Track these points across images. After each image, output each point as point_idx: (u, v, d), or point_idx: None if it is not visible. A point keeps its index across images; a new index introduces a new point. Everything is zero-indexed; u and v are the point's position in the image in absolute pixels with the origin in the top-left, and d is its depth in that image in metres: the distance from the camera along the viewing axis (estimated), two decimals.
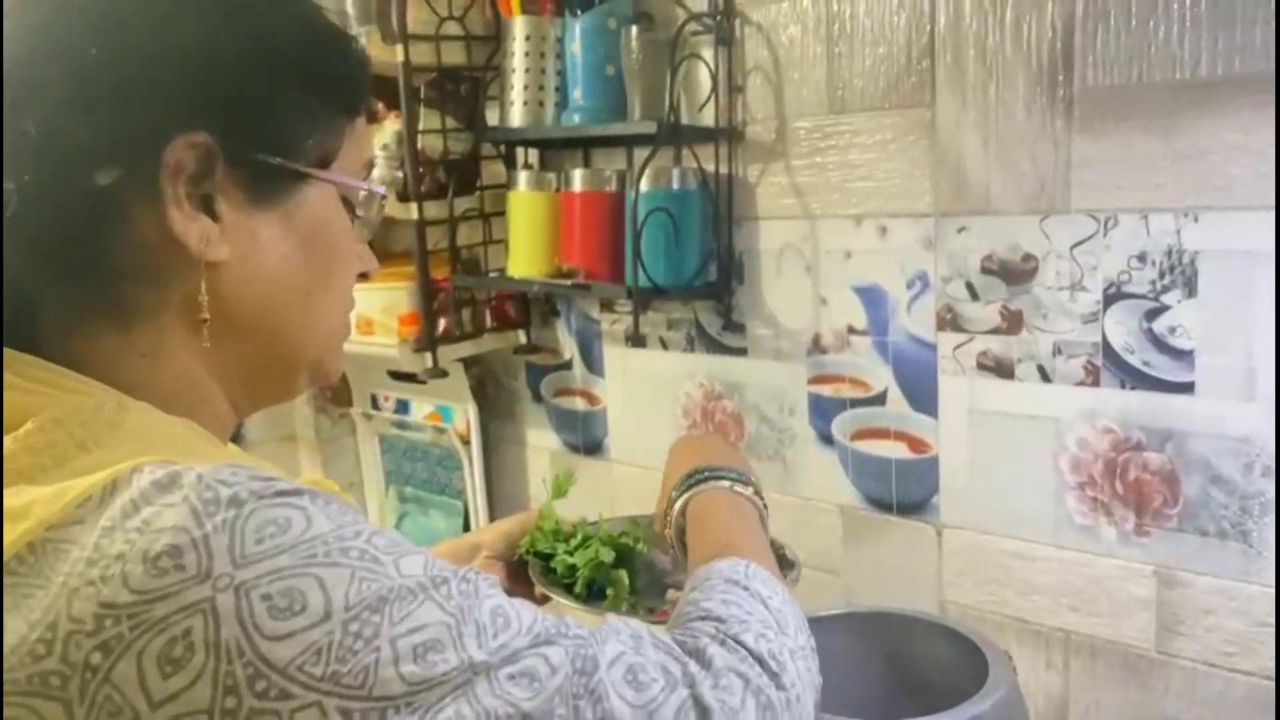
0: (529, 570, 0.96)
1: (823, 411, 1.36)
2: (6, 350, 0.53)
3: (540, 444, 1.73)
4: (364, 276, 0.67)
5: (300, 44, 0.59)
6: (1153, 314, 1.09)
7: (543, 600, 0.93)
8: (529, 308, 1.66)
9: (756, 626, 0.59)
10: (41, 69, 0.52)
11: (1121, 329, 1.11)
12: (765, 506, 0.81)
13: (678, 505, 0.81)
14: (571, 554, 0.96)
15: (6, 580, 0.45)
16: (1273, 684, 1.07)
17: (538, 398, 1.71)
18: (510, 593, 0.95)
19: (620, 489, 1.62)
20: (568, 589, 0.94)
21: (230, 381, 0.60)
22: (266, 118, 0.57)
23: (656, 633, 0.56)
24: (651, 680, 0.52)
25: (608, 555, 0.95)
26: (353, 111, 0.62)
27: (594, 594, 0.94)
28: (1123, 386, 1.12)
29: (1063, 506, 1.18)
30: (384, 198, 0.65)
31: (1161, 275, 1.08)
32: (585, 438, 1.66)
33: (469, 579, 0.52)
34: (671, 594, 0.95)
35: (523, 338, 1.66)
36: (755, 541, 0.74)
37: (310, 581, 0.47)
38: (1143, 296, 1.09)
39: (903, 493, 1.31)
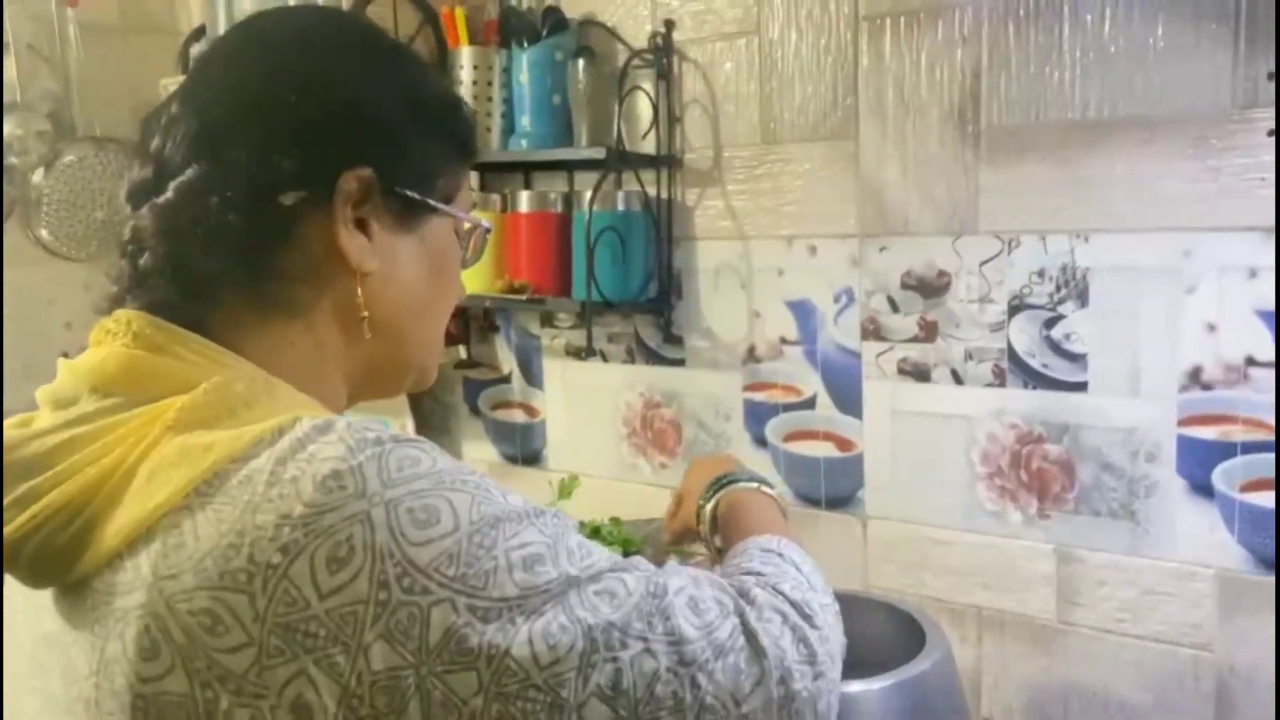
0: None
1: (757, 416, 1.48)
2: (179, 330, 0.62)
3: (477, 456, 1.79)
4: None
5: (436, 101, 0.71)
6: (1051, 322, 1.24)
7: None
8: (468, 324, 1.73)
9: (791, 581, 0.69)
10: (246, 112, 0.64)
11: (1024, 336, 1.26)
12: (780, 498, 0.94)
13: (709, 506, 0.93)
14: None
15: (198, 501, 0.55)
16: (1160, 646, 1.23)
17: (475, 412, 1.78)
18: None
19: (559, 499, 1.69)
20: None
21: (354, 375, 0.69)
22: (413, 159, 0.68)
23: (711, 574, 0.67)
24: (708, 609, 0.62)
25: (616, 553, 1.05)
26: (469, 158, 0.73)
27: None
28: (1026, 387, 1.27)
29: (974, 495, 1.32)
30: (488, 231, 0.76)
31: (1058, 289, 1.23)
32: (524, 449, 1.73)
33: (559, 516, 0.61)
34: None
35: (463, 353, 1.72)
36: (781, 526, 0.86)
37: (442, 501, 0.56)
38: (1042, 307, 1.25)
39: (831, 488, 1.43)
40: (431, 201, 0.69)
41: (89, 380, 0.60)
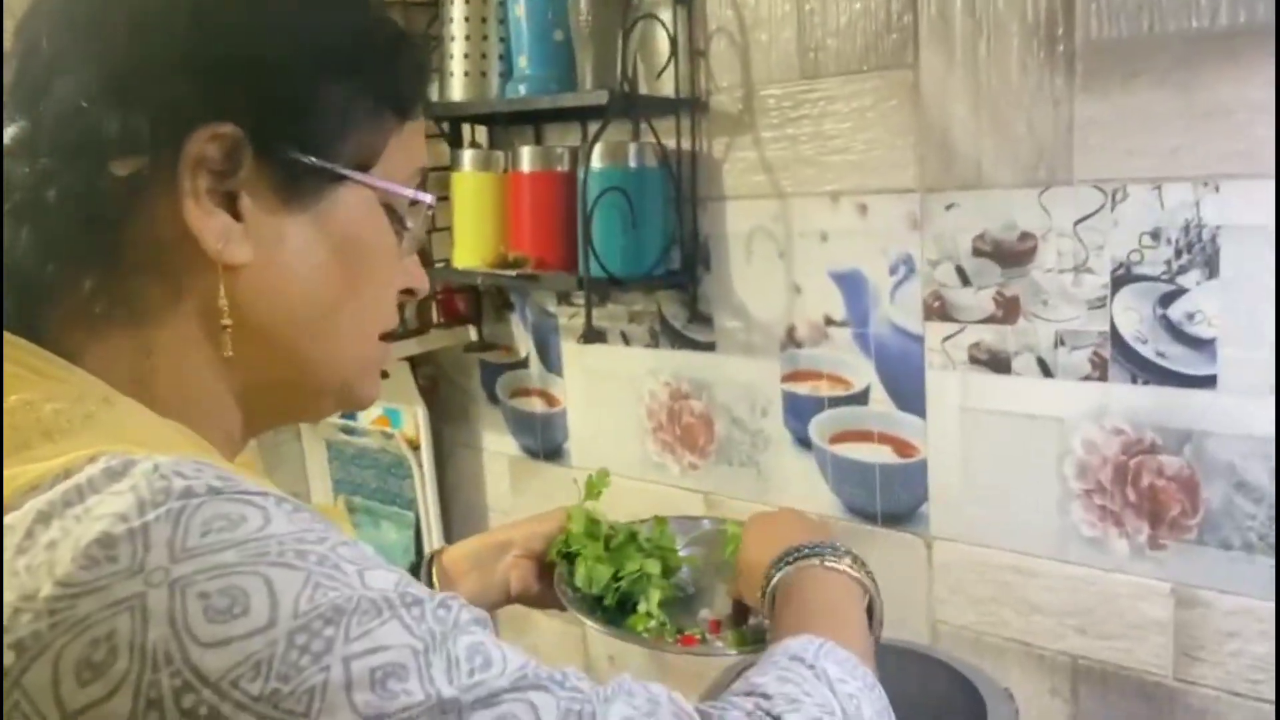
0: (554, 578, 0.89)
1: (798, 412, 1.23)
2: (6, 334, 0.50)
3: (498, 449, 1.59)
4: (409, 294, 0.62)
5: (345, 37, 0.55)
6: (1168, 298, 0.96)
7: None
8: (480, 302, 1.52)
9: (811, 710, 0.52)
10: (68, 51, 0.50)
11: (1132, 316, 0.98)
12: (869, 577, 0.72)
13: (769, 587, 0.74)
14: (607, 554, 0.89)
15: None
16: None
17: (493, 399, 1.58)
18: (544, 599, 0.85)
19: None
20: (596, 600, 0.87)
21: (247, 397, 0.55)
22: (303, 113, 0.53)
23: (679, 699, 0.50)
24: None
25: (654, 568, 0.88)
26: (402, 113, 0.56)
27: (622, 607, 0.87)
28: (1134, 381, 0.99)
29: (1068, 516, 1.05)
30: (431, 207, 0.60)
31: (1178, 254, 0.94)
32: (544, 442, 1.52)
33: (449, 605, 0.46)
34: (704, 614, 0.89)
35: (474, 334, 1.52)
36: (840, 619, 0.66)
37: (256, 581, 0.41)
38: (1156, 279, 0.96)
39: (888, 501, 1.17)
40: (335, 168, 0.53)
41: None
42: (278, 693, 0.39)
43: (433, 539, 1.59)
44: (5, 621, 0.40)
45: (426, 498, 1.58)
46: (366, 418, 1.64)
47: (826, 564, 0.72)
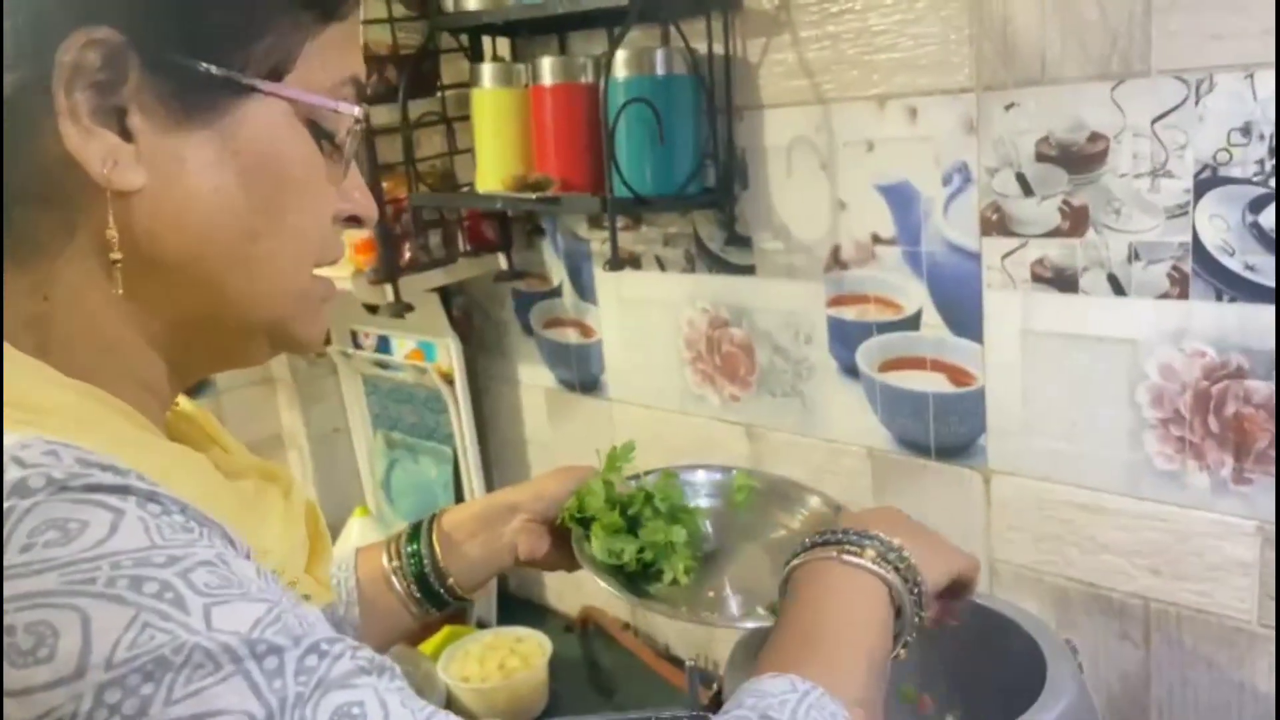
0: (573, 542, 0.85)
1: (845, 338, 1.14)
2: None
3: (534, 382, 1.53)
4: (355, 221, 0.56)
5: None
6: (1259, 203, 0.84)
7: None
8: (509, 228, 1.44)
9: None
10: None
11: (1218, 224, 0.86)
12: (902, 575, 0.64)
13: (784, 571, 0.68)
14: (626, 519, 0.84)
15: None
16: None
17: (528, 330, 1.51)
18: (553, 562, 0.81)
19: (621, 432, 1.42)
20: (618, 566, 0.83)
21: (162, 341, 0.50)
22: (198, 13, 0.46)
23: None
24: None
25: (679, 535, 0.84)
26: (323, 12, 0.50)
27: (644, 570, 0.84)
28: (1219, 298, 0.88)
29: (1141, 449, 0.95)
30: (358, 121, 0.53)
31: (1272, 153, 0.83)
32: (580, 374, 1.46)
33: (324, 651, 0.39)
34: (761, 611, 0.79)
35: (503, 262, 1.45)
36: (844, 642, 0.59)
37: (71, 617, 0.35)
38: (1247, 181, 0.84)
39: (942, 433, 1.09)
40: (240, 77, 0.47)
41: None
42: None
43: (471, 473, 1.55)
44: None
45: (464, 432, 1.53)
46: (401, 351, 1.59)
47: (845, 556, 0.64)
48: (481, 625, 1.55)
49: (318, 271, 0.55)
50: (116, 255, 0.46)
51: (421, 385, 1.61)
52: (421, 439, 1.65)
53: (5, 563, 0.36)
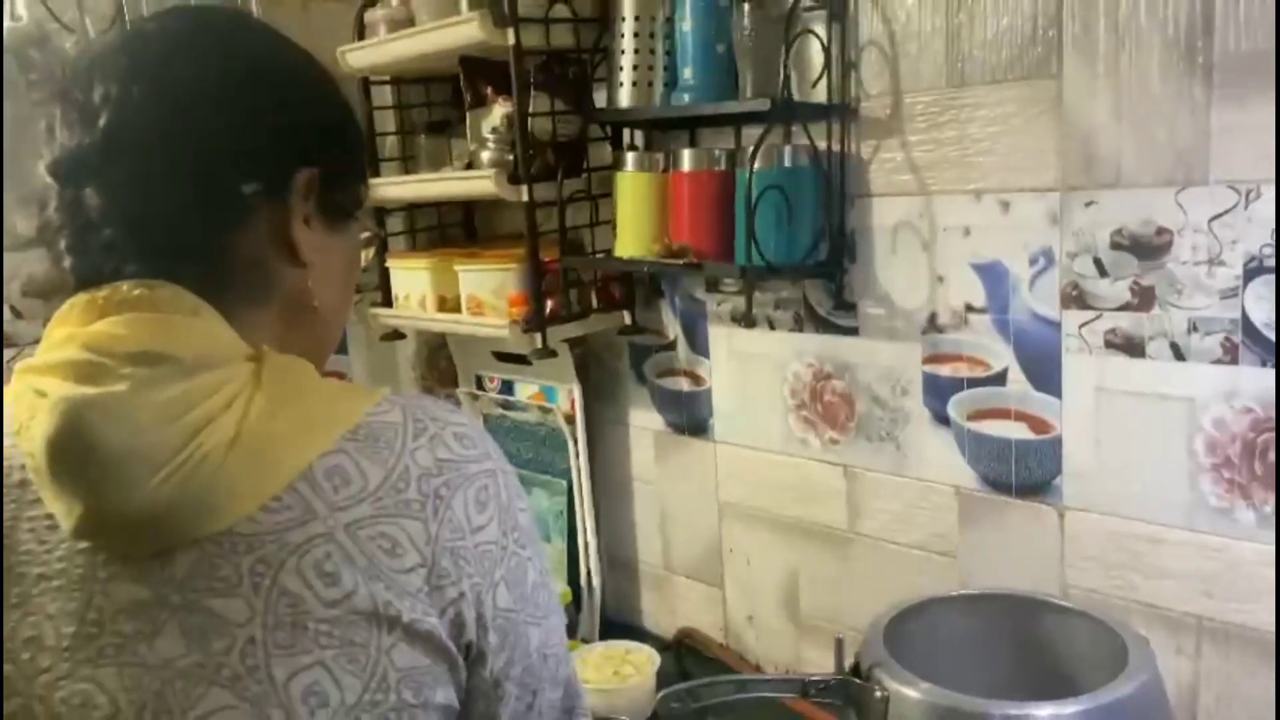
0: None
1: (938, 391, 1.34)
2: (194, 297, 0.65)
3: (643, 424, 1.74)
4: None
5: (351, 113, 0.77)
6: None
7: None
8: (633, 289, 1.66)
9: None
10: (218, 100, 0.66)
11: (1263, 304, 1.07)
12: None
13: None
14: None
15: (351, 446, 0.61)
16: None
17: (641, 379, 1.72)
18: None
19: (724, 471, 1.62)
20: None
21: (320, 346, 0.77)
22: (344, 166, 0.74)
23: None
24: None
25: None
26: (364, 171, 0.79)
27: None
28: (1264, 365, 1.08)
29: (1197, 488, 1.14)
30: (368, 233, 0.82)
31: None
32: (689, 418, 1.66)
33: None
34: None
35: (627, 318, 1.66)
36: None
37: (520, 488, 0.69)
38: None
39: (1023, 474, 1.28)
40: (353, 209, 0.75)
41: (120, 345, 0.60)
42: (537, 549, 0.69)
43: (584, 505, 1.74)
44: (434, 469, 0.63)
45: (580, 466, 1.73)
46: (525, 394, 1.80)
47: None
48: (585, 641, 1.73)
49: None
50: (317, 302, 0.72)
51: (542, 424, 1.81)
52: (536, 473, 1.85)
53: (496, 450, 0.69)
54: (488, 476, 0.64)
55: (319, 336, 0.75)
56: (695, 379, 1.64)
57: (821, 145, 1.35)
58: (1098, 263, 1.17)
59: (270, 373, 0.62)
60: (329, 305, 0.73)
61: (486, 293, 1.56)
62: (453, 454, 0.63)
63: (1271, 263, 1.05)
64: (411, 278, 1.68)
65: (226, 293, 0.66)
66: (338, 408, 0.63)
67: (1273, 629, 1.11)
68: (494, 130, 1.52)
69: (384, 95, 1.77)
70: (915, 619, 1.08)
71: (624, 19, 1.43)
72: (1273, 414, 1.08)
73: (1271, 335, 1.07)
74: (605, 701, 1.48)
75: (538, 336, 1.52)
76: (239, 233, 0.66)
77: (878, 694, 0.94)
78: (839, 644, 0.98)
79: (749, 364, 1.55)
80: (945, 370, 1.33)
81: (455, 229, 1.90)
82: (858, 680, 0.96)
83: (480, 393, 1.87)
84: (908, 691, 0.93)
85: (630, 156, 1.48)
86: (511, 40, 1.42)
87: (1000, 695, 0.93)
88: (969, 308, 1.29)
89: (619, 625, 1.81)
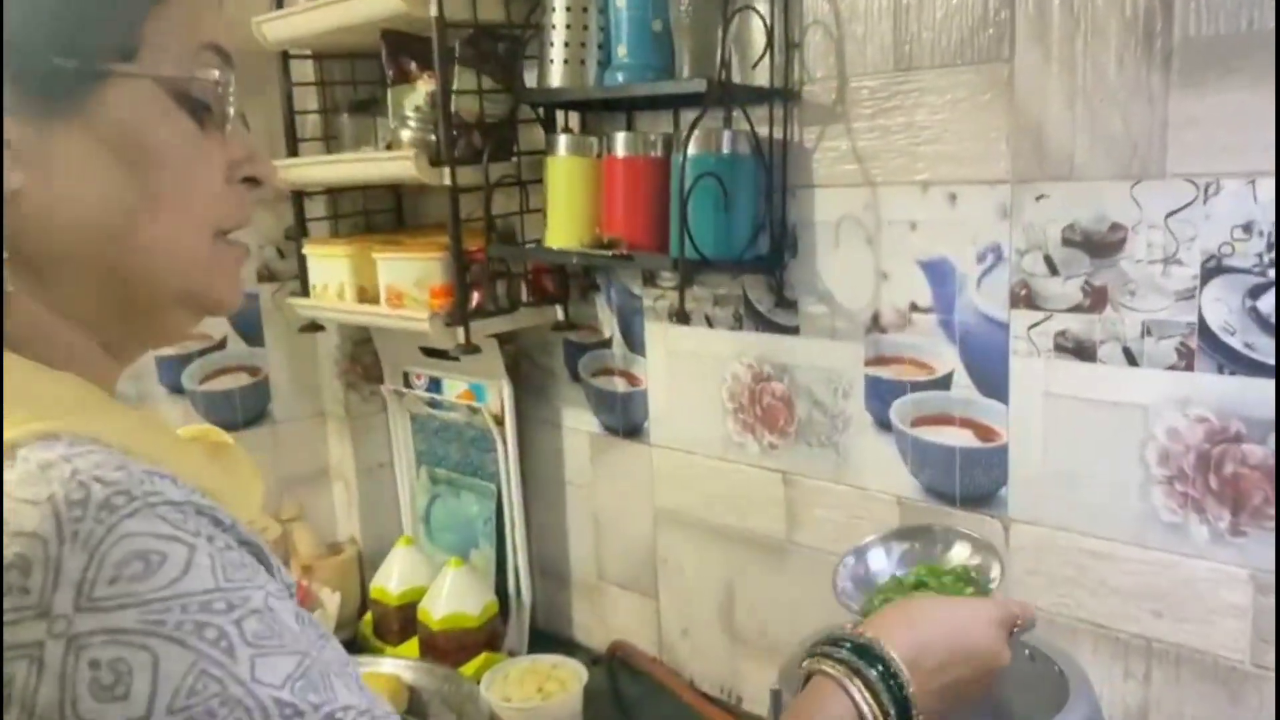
0: None
1: (880, 395, 1.26)
2: None
3: (577, 426, 1.65)
4: (252, 181, 0.57)
5: None
6: (1258, 291, 0.98)
7: None
8: (567, 283, 1.57)
9: None
10: None
11: (1221, 307, 1.00)
12: (882, 704, 0.65)
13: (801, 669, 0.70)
14: None
15: None
16: None
17: (575, 377, 1.63)
18: None
19: (661, 476, 1.53)
20: None
21: (90, 325, 0.52)
22: (35, 10, 0.47)
23: None
24: None
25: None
26: None
27: None
28: (1220, 371, 1.01)
29: (1149, 502, 1.07)
30: (219, 84, 0.54)
31: (1270, 247, 0.97)
32: (625, 420, 1.57)
33: (347, 713, 0.43)
34: None
35: (560, 314, 1.57)
36: None
37: (145, 659, 0.39)
38: (1247, 271, 0.98)
39: (968, 484, 1.21)
40: (89, 64, 0.48)
41: None
42: None
43: (514, 511, 1.65)
44: None
45: (509, 471, 1.63)
46: (452, 392, 1.70)
47: (825, 666, 0.65)
48: (511, 654, 1.63)
49: (234, 236, 0.57)
50: (3, 254, 0.48)
51: (470, 425, 1.72)
52: (465, 475, 1.75)
53: (93, 591, 0.39)
54: (19, 659, 0.39)
55: (103, 287, 0.51)
56: (631, 379, 1.55)
57: (762, 131, 1.27)
58: (1048, 260, 1.10)
59: None
60: (88, 238, 0.50)
61: (407, 284, 1.46)
62: None
63: (1233, 262, 0.99)
64: (329, 266, 1.58)
65: None
66: None
67: (1227, 652, 1.05)
68: (416, 109, 1.42)
69: (306, 71, 1.66)
70: None
71: None
72: (1229, 424, 1.01)
73: (1229, 340, 1.00)
74: None
75: (460, 331, 1.43)
76: None
77: None
78: (775, 696, 0.89)
79: (687, 364, 1.47)
80: (888, 373, 1.25)
81: (382, 215, 1.80)
82: None
83: (406, 390, 1.77)
84: None
85: (563, 140, 1.39)
86: (434, 11, 1.33)
87: None
88: (914, 307, 1.21)
89: (548, 637, 1.72)
